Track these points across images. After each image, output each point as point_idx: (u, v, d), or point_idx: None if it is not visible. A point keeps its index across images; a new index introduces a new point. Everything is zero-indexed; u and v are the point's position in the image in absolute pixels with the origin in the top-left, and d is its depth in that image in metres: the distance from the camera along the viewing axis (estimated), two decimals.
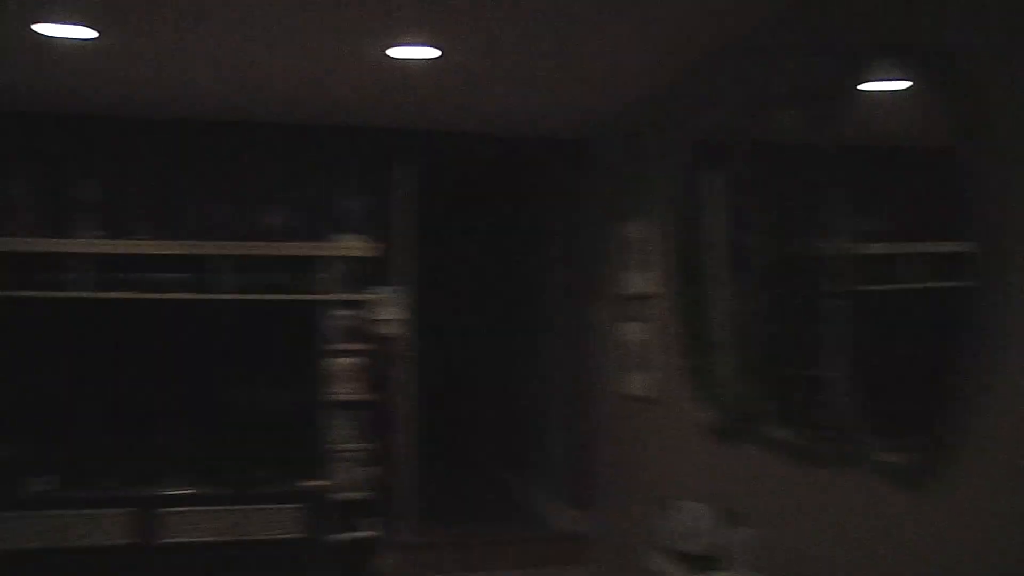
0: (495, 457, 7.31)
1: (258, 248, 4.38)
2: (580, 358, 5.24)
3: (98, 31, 3.36)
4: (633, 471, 4.45)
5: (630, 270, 4.42)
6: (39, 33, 3.35)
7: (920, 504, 2.31)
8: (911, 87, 2.39)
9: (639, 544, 4.00)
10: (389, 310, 4.94)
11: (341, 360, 4.46)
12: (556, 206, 5.55)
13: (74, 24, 3.28)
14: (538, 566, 4.97)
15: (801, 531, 2.93)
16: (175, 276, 4.28)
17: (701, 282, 3.68)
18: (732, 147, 3.37)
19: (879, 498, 2.48)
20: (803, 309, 3.02)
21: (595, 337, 5.02)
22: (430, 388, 5.94)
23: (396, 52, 3.61)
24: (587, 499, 5.14)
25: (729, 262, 3.46)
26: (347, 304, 4.51)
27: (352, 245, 4.50)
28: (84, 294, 4.22)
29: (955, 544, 2.20)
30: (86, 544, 4.00)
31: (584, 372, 5.20)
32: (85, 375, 4.55)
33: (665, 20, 3.29)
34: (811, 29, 2.95)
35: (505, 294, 7.12)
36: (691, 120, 3.79)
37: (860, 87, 2.56)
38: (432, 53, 3.65)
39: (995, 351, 2.04)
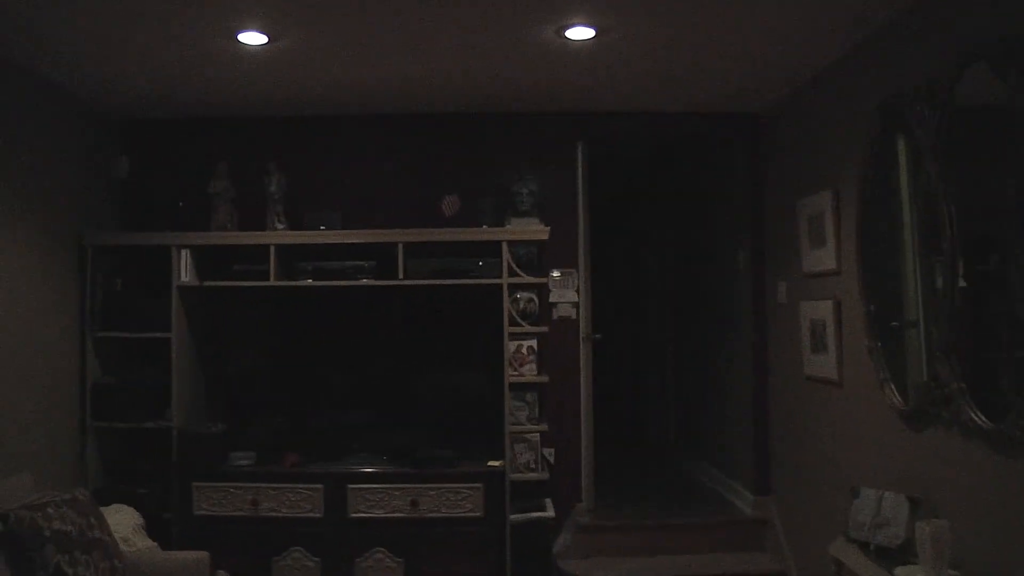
0: (673, 440, 7.22)
1: (437, 235, 4.54)
2: (762, 338, 5.07)
3: (268, 36, 3.61)
4: (817, 455, 4.28)
5: (814, 247, 4.23)
6: (240, 42, 3.65)
7: None
8: None
9: (824, 531, 3.85)
10: (564, 293, 5.00)
11: (518, 343, 4.55)
12: (736, 183, 5.39)
13: (250, 31, 3.55)
14: (718, 551, 4.87)
15: (1000, 525, 2.72)
16: (362, 264, 4.50)
17: (889, 258, 3.48)
18: (923, 113, 3.14)
19: None
20: (1007, 286, 2.78)
21: (778, 317, 4.85)
22: (606, 370, 5.95)
23: (564, 33, 3.63)
24: (769, 484, 4.99)
25: (920, 236, 3.24)
26: (523, 287, 4.59)
27: (527, 229, 4.58)
28: (280, 283, 4.51)
29: None
30: (278, 515, 4.30)
31: (766, 353, 5.04)
32: (282, 359, 4.90)
33: None
34: None
35: (683, 274, 7.00)
36: (877, 86, 3.56)
37: None
38: (590, 33, 3.63)
39: None
